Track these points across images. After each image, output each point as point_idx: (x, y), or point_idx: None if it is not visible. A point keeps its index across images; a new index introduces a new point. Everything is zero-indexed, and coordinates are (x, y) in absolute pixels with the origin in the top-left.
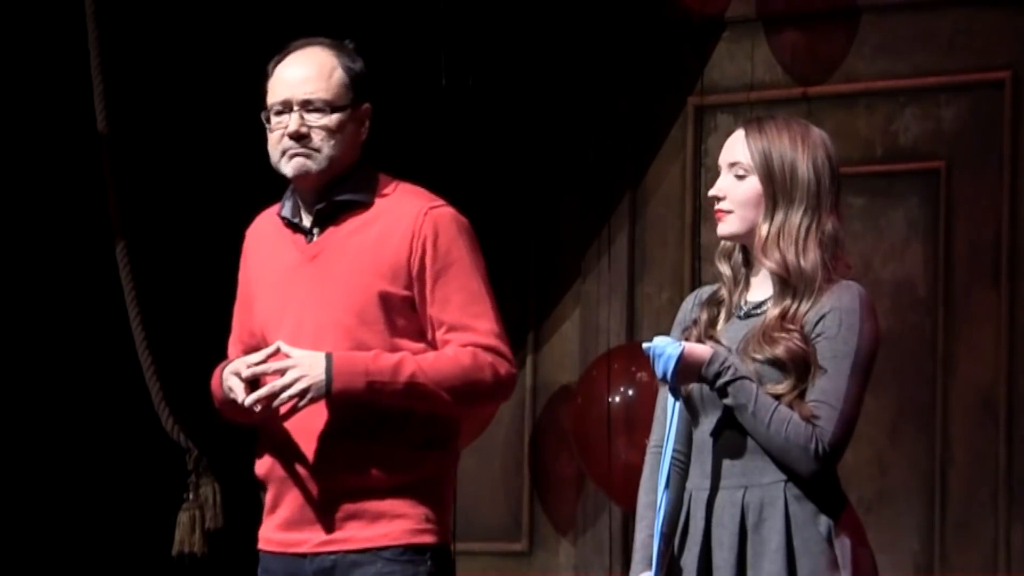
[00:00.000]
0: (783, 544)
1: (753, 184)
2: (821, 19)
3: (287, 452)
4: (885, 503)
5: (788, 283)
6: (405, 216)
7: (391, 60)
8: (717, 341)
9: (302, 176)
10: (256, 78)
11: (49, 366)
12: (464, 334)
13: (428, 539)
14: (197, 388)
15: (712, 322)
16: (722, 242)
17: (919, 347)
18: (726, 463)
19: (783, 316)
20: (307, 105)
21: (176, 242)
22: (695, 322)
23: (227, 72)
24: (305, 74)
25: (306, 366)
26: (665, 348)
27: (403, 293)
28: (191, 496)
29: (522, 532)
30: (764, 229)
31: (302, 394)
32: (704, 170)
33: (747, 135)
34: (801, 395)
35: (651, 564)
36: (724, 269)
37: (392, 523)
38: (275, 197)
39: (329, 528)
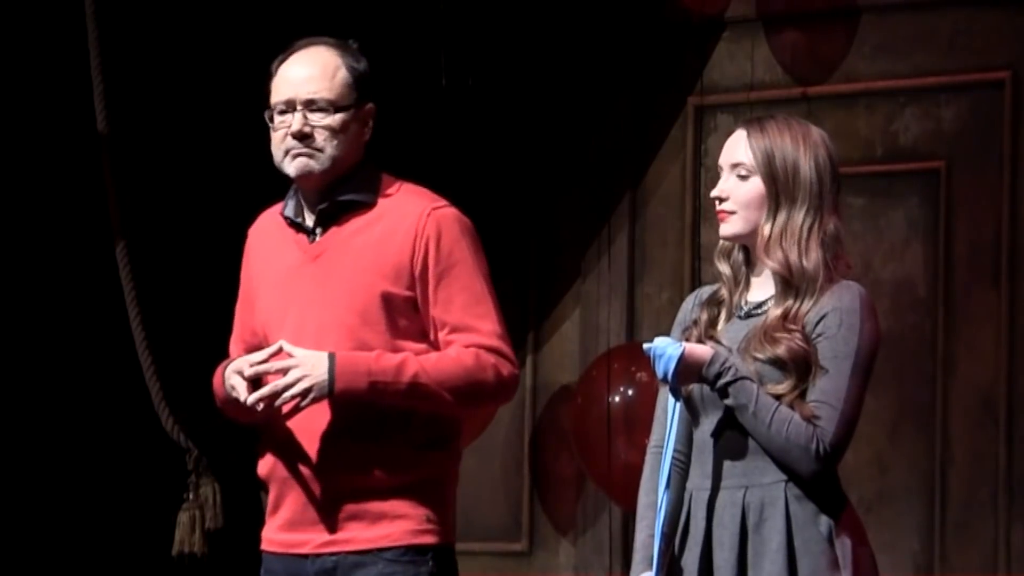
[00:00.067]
0: (784, 544)
1: (756, 184)
2: (821, 19)
3: (289, 452)
4: (885, 503)
5: (791, 283)
6: (408, 216)
7: (391, 60)
8: (717, 341)
9: (305, 176)
10: (255, 78)
11: (49, 366)
12: (467, 335)
13: (430, 539)
14: (197, 388)
15: (712, 322)
16: (721, 241)
17: (919, 347)
18: (727, 463)
19: (785, 316)
20: (311, 105)
21: (176, 242)
22: (695, 322)
23: (227, 72)
24: (309, 73)
25: (309, 366)
26: (666, 349)
27: (405, 294)
28: (191, 496)
29: (522, 532)
30: (767, 229)
31: (304, 394)
32: (704, 170)
33: (749, 135)
34: (802, 395)
35: (652, 564)
36: (724, 268)
37: (393, 524)
38: (274, 197)
39: (331, 529)
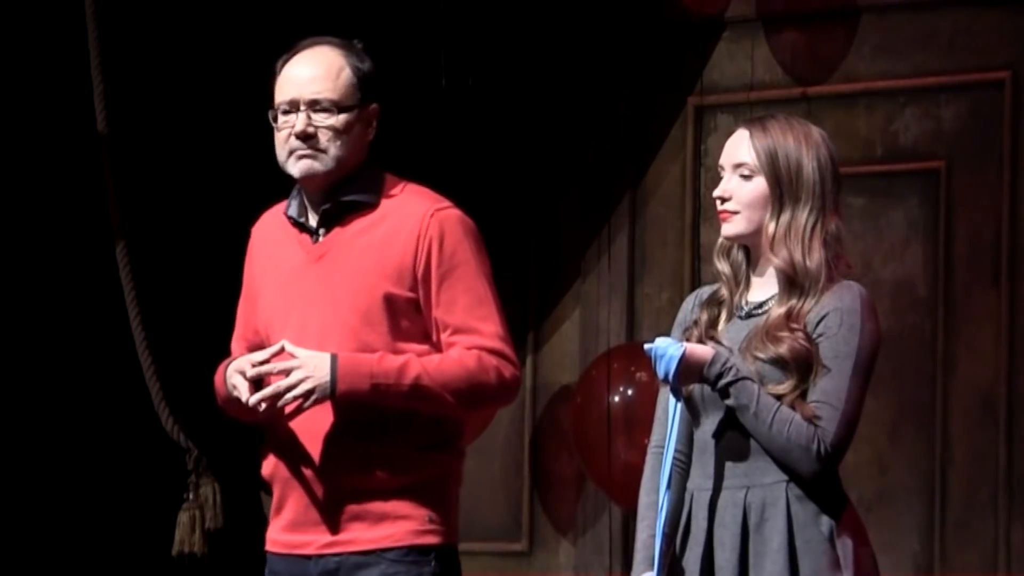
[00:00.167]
0: (785, 544)
1: (759, 184)
2: (821, 19)
3: (292, 453)
4: (885, 503)
5: (795, 282)
6: (411, 217)
7: (391, 60)
8: (718, 341)
9: (309, 177)
10: (255, 78)
11: (49, 366)
12: (469, 337)
13: (432, 540)
14: (197, 388)
15: (713, 322)
16: (720, 240)
17: (919, 347)
18: (728, 464)
19: (788, 315)
20: (314, 105)
21: (176, 242)
22: (696, 322)
23: (226, 72)
24: (313, 73)
25: (311, 367)
26: (667, 349)
27: (408, 295)
28: (191, 496)
29: (522, 532)
30: (771, 228)
31: (307, 395)
32: (704, 170)
33: (752, 135)
34: (802, 395)
35: (653, 564)
36: (723, 267)
37: (396, 524)
38: (274, 196)
39: (333, 529)
